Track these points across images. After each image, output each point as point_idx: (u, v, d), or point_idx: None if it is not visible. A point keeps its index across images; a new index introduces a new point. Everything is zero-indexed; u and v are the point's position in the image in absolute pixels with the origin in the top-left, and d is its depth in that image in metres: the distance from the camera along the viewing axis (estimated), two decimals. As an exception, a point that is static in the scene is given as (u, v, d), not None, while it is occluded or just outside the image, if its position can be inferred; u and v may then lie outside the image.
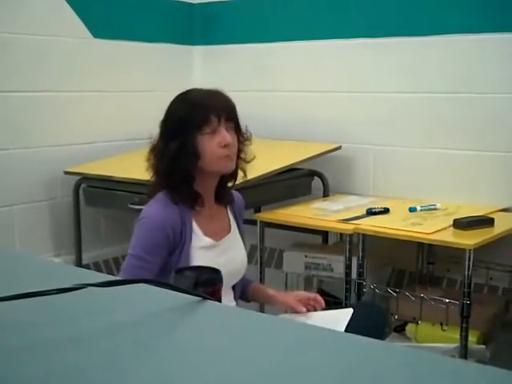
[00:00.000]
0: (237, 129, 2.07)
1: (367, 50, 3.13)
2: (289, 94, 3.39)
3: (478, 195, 2.89)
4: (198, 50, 3.66)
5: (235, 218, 2.22)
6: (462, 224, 2.54)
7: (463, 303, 2.46)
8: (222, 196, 2.15)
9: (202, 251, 2.04)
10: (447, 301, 2.55)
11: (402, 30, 3.01)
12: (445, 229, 2.55)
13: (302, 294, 2.31)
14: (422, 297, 2.63)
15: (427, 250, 3.02)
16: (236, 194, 2.26)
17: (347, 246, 2.66)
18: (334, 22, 3.21)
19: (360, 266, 2.71)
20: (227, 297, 2.09)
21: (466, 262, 2.44)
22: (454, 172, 2.95)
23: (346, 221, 2.67)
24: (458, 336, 2.50)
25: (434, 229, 2.52)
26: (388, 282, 3.07)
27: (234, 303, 2.20)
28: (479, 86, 2.86)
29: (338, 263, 2.84)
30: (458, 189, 2.94)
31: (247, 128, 2.12)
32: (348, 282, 2.70)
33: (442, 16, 2.90)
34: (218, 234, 2.12)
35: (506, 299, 2.87)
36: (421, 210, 2.78)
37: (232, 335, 0.71)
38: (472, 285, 2.54)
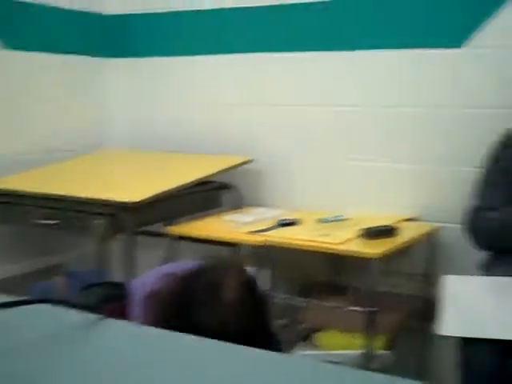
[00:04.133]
0: None
1: (277, 64, 3.19)
2: (202, 107, 3.42)
3: (383, 205, 2.99)
4: (112, 63, 3.64)
5: None
6: (367, 234, 2.63)
7: (369, 311, 2.54)
8: None
9: None
10: (353, 309, 2.63)
11: (313, 44, 3.09)
12: (352, 239, 2.64)
13: None
14: (329, 305, 2.70)
15: (335, 260, 3.09)
16: None
17: (258, 258, 2.71)
18: (244, 36, 3.26)
19: (270, 278, 2.76)
20: None
21: (372, 271, 2.53)
22: (361, 183, 3.05)
23: (256, 233, 2.72)
24: (363, 342, 2.58)
25: (341, 239, 2.61)
26: (299, 293, 3.13)
27: None
28: (384, 99, 2.98)
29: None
30: (365, 199, 3.03)
31: None
32: (259, 292, 2.74)
33: (354, 31, 3.00)
34: None
35: (409, 306, 2.97)
36: (329, 221, 2.86)
37: (128, 354, 0.73)
38: (377, 293, 2.64)
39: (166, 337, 0.79)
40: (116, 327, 0.80)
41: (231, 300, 1.52)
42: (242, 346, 0.76)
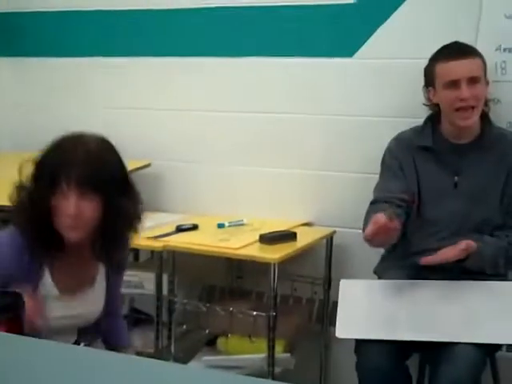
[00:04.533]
0: (100, 191, 1.84)
1: (176, 68, 3.17)
2: (97, 110, 3.34)
3: (282, 210, 3.02)
4: (3, 62, 3.51)
5: (107, 270, 2.03)
6: (267, 239, 2.65)
7: (270, 315, 2.56)
8: (100, 253, 1.94)
9: (47, 300, 1.89)
10: (255, 313, 2.65)
11: (211, 50, 3.09)
12: (251, 244, 2.65)
13: None
14: (231, 310, 2.70)
15: (236, 265, 3.10)
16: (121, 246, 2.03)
17: (157, 263, 2.68)
18: (137, 39, 3.22)
19: (171, 283, 2.74)
20: (70, 338, 1.95)
21: (272, 275, 2.55)
22: (260, 188, 3.06)
23: (156, 238, 2.69)
24: (265, 346, 2.60)
25: (241, 244, 2.62)
26: (199, 297, 3.11)
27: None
28: (278, 106, 3.01)
29: (148, 280, 2.84)
30: (264, 204, 3.05)
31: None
32: (159, 298, 2.72)
33: (251, 38, 3.02)
34: (74, 284, 1.95)
35: (309, 309, 3.02)
36: (229, 226, 2.86)
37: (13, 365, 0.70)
38: (278, 297, 2.66)
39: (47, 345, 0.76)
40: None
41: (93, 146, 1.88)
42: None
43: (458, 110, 2.37)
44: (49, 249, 1.88)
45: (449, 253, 2.27)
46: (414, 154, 2.47)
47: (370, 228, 2.17)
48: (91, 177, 1.82)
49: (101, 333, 2.08)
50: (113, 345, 2.12)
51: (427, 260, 2.29)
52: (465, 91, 2.34)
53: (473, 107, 2.36)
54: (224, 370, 2.69)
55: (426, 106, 2.54)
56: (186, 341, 2.98)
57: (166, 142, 3.22)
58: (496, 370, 2.39)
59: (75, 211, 1.81)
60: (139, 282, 2.90)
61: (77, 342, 1.96)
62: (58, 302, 1.92)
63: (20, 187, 1.89)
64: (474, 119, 2.39)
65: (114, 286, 2.10)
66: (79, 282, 1.97)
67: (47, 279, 1.90)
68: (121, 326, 2.21)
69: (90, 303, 2.01)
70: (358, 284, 2.46)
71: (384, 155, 2.55)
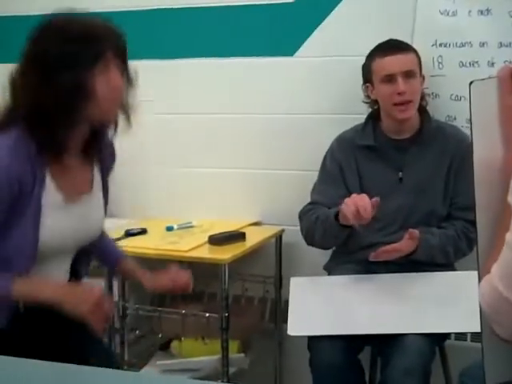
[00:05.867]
0: (124, 66, 1.76)
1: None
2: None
3: (230, 211, 3.03)
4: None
5: (102, 172, 1.92)
6: (216, 240, 2.66)
7: (222, 316, 2.57)
8: (93, 148, 1.83)
9: (52, 209, 1.74)
10: (207, 315, 2.65)
11: (151, 53, 3.07)
12: (201, 245, 2.66)
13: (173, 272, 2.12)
14: (184, 313, 2.70)
15: (186, 267, 3.08)
16: (108, 143, 1.95)
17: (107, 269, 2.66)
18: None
19: (122, 288, 2.72)
20: (63, 265, 1.87)
21: (222, 276, 2.56)
22: (208, 189, 3.06)
23: (104, 244, 2.66)
24: (219, 347, 2.61)
25: (191, 246, 2.62)
26: (151, 302, 3.10)
27: (66, 274, 1.90)
28: (221, 106, 3.02)
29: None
30: (212, 206, 3.05)
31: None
32: (111, 304, 2.70)
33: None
34: (75, 190, 1.81)
35: (262, 308, 3.03)
36: (177, 229, 2.86)
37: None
38: (230, 297, 2.67)
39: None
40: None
41: None
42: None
43: (395, 104, 2.42)
44: (52, 155, 1.73)
45: (397, 246, 2.31)
46: (357, 153, 2.51)
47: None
48: (124, 48, 1.74)
49: (95, 253, 2.05)
50: (109, 262, 2.14)
51: (377, 255, 2.33)
52: (401, 85, 2.39)
53: (409, 101, 2.42)
54: (179, 373, 2.69)
55: (366, 103, 2.58)
56: (140, 346, 2.97)
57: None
58: (445, 359, 2.45)
59: (122, 83, 1.73)
60: (89, 289, 2.87)
61: (74, 269, 1.92)
62: (62, 211, 1.77)
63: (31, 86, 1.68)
64: (411, 112, 2.44)
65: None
66: (79, 187, 1.83)
67: (50, 186, 1.74)
68: (110, 239, 2.18)
69: (92, 210, 1.88)
70: (308, 281, 2.49)
71: (325, 157, 2.59)
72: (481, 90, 1.32)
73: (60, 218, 1.76)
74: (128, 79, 1.77)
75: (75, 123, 1.72)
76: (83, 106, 1.67)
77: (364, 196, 2.24)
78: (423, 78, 2.52)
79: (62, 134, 1.71)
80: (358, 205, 2.20)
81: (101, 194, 1.93)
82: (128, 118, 1.82)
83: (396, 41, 2.50)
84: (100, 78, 1.67)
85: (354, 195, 2.26)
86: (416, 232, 2.31)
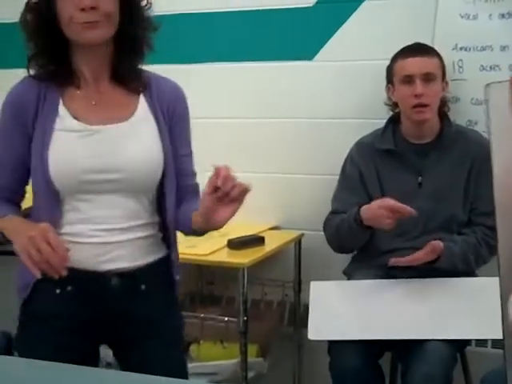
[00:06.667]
0: None
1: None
2: None
3: (249, 215, 3.01)
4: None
5: (154, 108, 1.69)
6: (235, 244, 2.66)
7: (241, 320, 2.57)
8: (123, 75, 1.67)
9: (67, 133, 1.61)
10: (226, 319, 2.65)
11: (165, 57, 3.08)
12: (220, 249, 2.65)
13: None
14: (202, 317, 2.70)
15: (206, 271, 3.10)
16: (169, 83, 1.77)
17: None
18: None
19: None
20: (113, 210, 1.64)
21: (241, 280, 2.56)
22: (226, 193, 3.06)
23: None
24: (238, 351, 2.60)
25: (210, 250, 2.61)
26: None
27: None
28: (240, 110, 3.02)
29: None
30: (231, 210, 3.05)
31: None
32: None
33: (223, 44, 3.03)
34: (102, 118, 1.63)
35: (280, 312, 3.03)
36: (197, 233, 2.85)
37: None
38: (249, 301, 2.67)
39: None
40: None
41: None
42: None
43: (413, 107, 2.41)
44: (61, 84, 1.64)
45: (416, 256, 2.30)
46: (376, 158, 2.50)
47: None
48: None
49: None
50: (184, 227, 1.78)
51: (397, 261, 2.32)
52: (419, 87, 2.38)
53: (426, 105, 2.40)
54: (197, 376, 2.69)
55: (388, 105, 2.57)
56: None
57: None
58: (466, 365, 2.43)
59: (90, 3, 1.52)
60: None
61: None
62: (78, 137, 1.61)
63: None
64: (428, 115, 2.42)
65: (178, 136, 1.75)
66: (110, 114, 1.65)
67: (64, 113, 1.63)
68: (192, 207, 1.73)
69: (131, 141, 1.64)
70: (328, 285, 2.48)
71: (345, 162, 2.58)
72: (498, 93, 1.30)
73: (74, 144, 1.60)
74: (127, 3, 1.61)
75: (58, 45, 1.60)
76: (50, 28, 1.58)
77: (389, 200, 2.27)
78: (446, 83, 2.50)
79: (56, 60, 1.63)
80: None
81: (152, 127, 1.68)
82: (129, 56, 1.66)
83: (421, 44, 2.49)
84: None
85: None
86: (440, 245, 2.30)
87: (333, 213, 2.54)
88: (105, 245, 1.64)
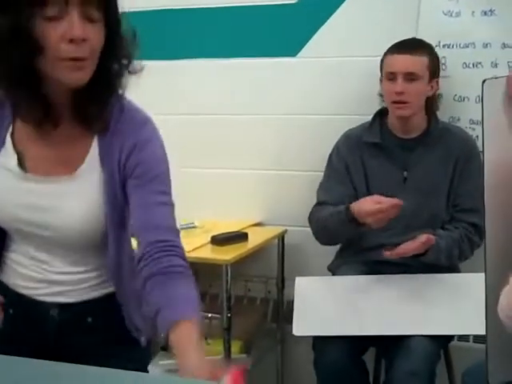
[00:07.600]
0: (107, 16, 1.34)
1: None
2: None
3: (232, 211, 3.02)
4: None
5: (109, 152, 1.46)
6: (218, 240, 2.65)
7: (224, 316, 2.56)
8: (86, 115, 1.42)
9: (7, 172, 1.45)
10: (209, 315, 2.65)
11: (154, 53, 3.06)
12: (203, 246, 2.65)
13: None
14: (186, 313, 2.69)
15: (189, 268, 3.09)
16: (129, 119, 1.56)
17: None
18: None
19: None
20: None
21: (225, 277, 2.55)
22: (210, 190, 3.06)
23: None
24: (221, 348, 2.60)
25: (193, 246, 2.60)
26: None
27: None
28: (223, 107, 3.02)
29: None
30: (215, 206, 3.05)
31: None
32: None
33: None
34: (47, 166, 1.45)
35: (264, 308, 3.03)
36: (180, 229, 2.83)
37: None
38: (232, 298, 2.66)
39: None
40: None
41: None
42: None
43: (393, 102, 2.43)
44: (16, 115, 1.44)
45: (409, 247, 2.31)
46: (363, 150, 2.51)
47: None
48: None
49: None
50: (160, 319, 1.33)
51: (392, 253, 2.32)
52: (399, 85, 2.39)
53: (406, 102, 2.41)
54: (181, 373, 2.68)
55: (380, 96, 2.58)
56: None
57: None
58: (449, 360, 2.45)
59: (81, 34, 1.28)
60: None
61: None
62: (21, 182, 1.45)
63: None
64: (408, 112, 2.43)
65: (145, 195, 1.51)
66: (57, 161, 1.45)
67: (9, 147, 1.46)
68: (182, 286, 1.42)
69: (69, 198, 1.45)
70: (313, 281, 2.48)
71: (331, 153, 2.58)
72: (494, 89, 1.28)
73: (9, 187, 1.45)
74: (113, 34, 1.37)
75: (23, 80, 1.33)
76: (31, 58, 1.30)
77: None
78: (436, 82, 2.49)
79: (14, 95, 1.38)
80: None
81: (99, 178, 1.46)
82: (115, 81, 1.44)
83: (415, 41, 2.51)
84: (46, 23, 1.27)
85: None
86: (433, 238, 2.31)
87: (319, 204, 2.53)
88: (44, 281, 1.53)
